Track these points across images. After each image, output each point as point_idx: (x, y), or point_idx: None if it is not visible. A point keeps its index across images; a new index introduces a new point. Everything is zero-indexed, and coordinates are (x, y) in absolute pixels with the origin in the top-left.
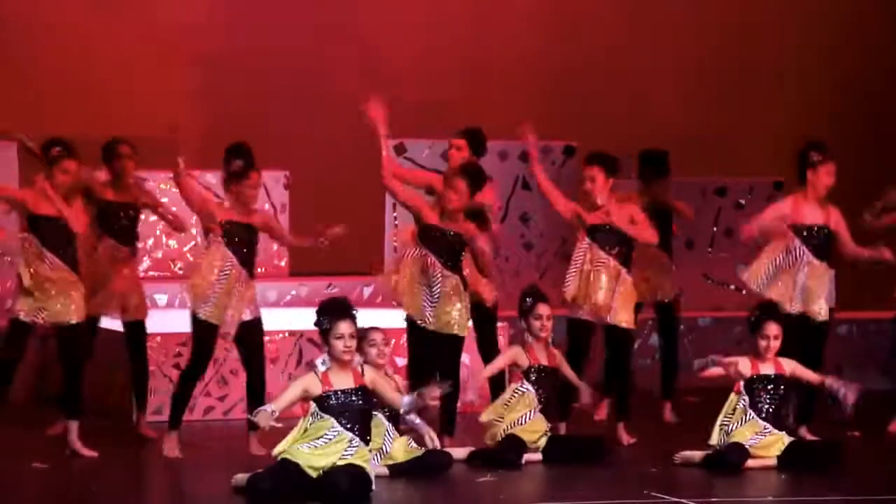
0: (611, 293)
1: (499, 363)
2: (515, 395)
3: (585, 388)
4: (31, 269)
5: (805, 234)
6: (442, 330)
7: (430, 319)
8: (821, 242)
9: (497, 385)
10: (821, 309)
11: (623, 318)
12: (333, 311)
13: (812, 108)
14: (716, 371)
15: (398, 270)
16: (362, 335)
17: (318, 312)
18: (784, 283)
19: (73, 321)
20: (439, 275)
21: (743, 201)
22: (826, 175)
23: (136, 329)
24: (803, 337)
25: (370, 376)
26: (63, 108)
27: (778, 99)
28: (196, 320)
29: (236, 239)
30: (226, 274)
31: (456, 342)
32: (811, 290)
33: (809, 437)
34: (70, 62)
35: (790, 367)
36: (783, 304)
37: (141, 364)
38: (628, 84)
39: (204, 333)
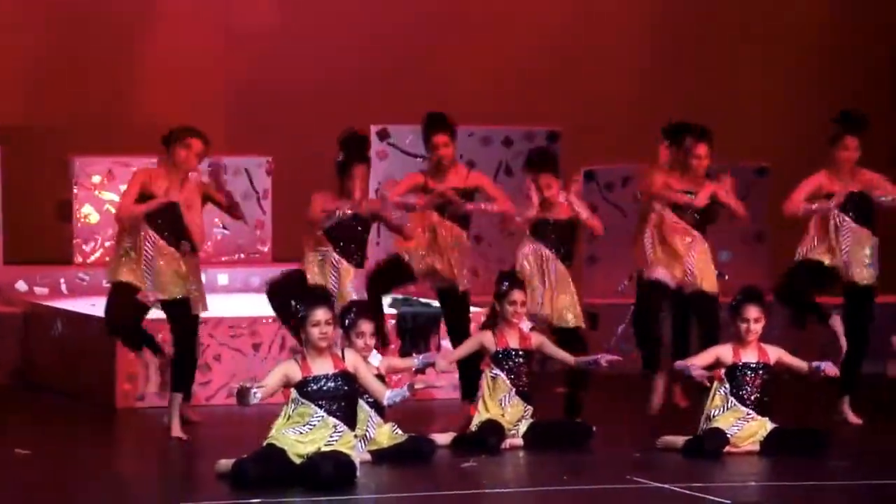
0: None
1: (465, 347)
2: (489, 381)
3: (592, 357)
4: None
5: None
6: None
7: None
8: (859, 208)
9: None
10: (864, 273)
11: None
12: (309, 297)
13: (797, 94)
14: (699, 371)
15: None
16: (351, 324)
17: (294, 300)
18: (830, 251)
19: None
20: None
21: None
22: (843, 150)
23: None
24: (851, 303)
25: (352, 361)
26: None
27: (761, 83)
28: None
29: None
30: None
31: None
32: (854, 256)
33: (852, 416)
34: None
35: (776, 354)
36: (826, 264)
37: None
38: (610, 66)
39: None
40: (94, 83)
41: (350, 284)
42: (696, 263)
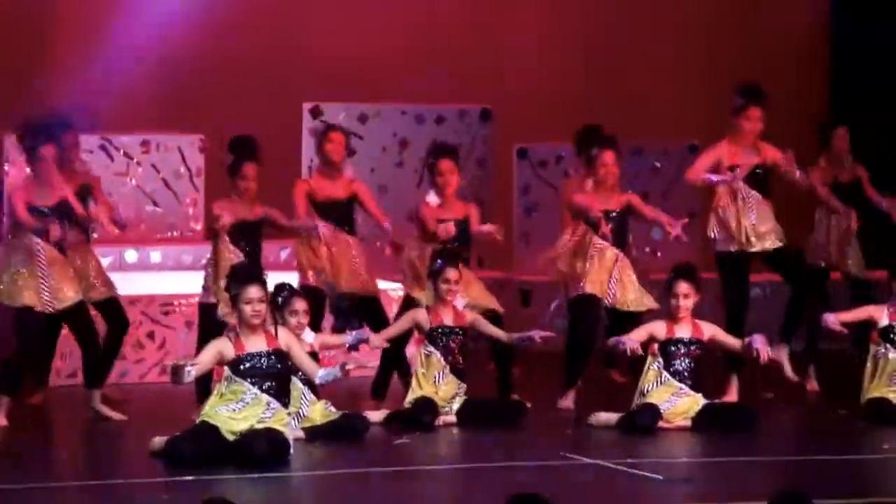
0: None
1: (399, 324)
2: (423, 359)
3: (527, 334)
4: None
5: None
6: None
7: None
8: (761, 181)
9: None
10: (775, 240)
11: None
12: (242, 276)
13: (725, 71)
14: (634, 345)
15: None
16: (285, 302)
17: (227, 278)
18: (738, 227)
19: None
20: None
21: (658, 164)
22: (746, 120)
23: None
24: (781, 269)
25: (285, 339)
26: None
27: (690, 60)
28: None
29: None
30: None
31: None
32: (759, 227)
33: (787, 365)
34: None
35: (710, 331)
36: (744, 246)
37: None
38: (542, 43)
39: None
40: (20, 60)
41: None
42: (616, 282)
